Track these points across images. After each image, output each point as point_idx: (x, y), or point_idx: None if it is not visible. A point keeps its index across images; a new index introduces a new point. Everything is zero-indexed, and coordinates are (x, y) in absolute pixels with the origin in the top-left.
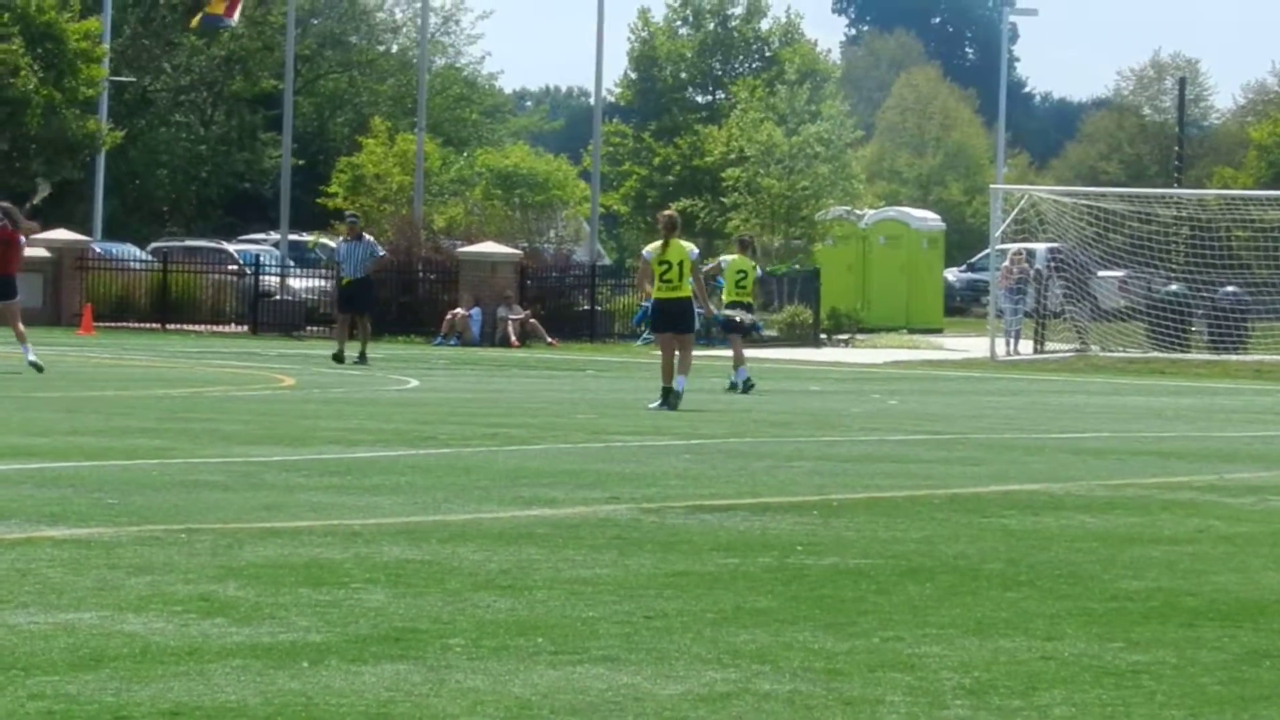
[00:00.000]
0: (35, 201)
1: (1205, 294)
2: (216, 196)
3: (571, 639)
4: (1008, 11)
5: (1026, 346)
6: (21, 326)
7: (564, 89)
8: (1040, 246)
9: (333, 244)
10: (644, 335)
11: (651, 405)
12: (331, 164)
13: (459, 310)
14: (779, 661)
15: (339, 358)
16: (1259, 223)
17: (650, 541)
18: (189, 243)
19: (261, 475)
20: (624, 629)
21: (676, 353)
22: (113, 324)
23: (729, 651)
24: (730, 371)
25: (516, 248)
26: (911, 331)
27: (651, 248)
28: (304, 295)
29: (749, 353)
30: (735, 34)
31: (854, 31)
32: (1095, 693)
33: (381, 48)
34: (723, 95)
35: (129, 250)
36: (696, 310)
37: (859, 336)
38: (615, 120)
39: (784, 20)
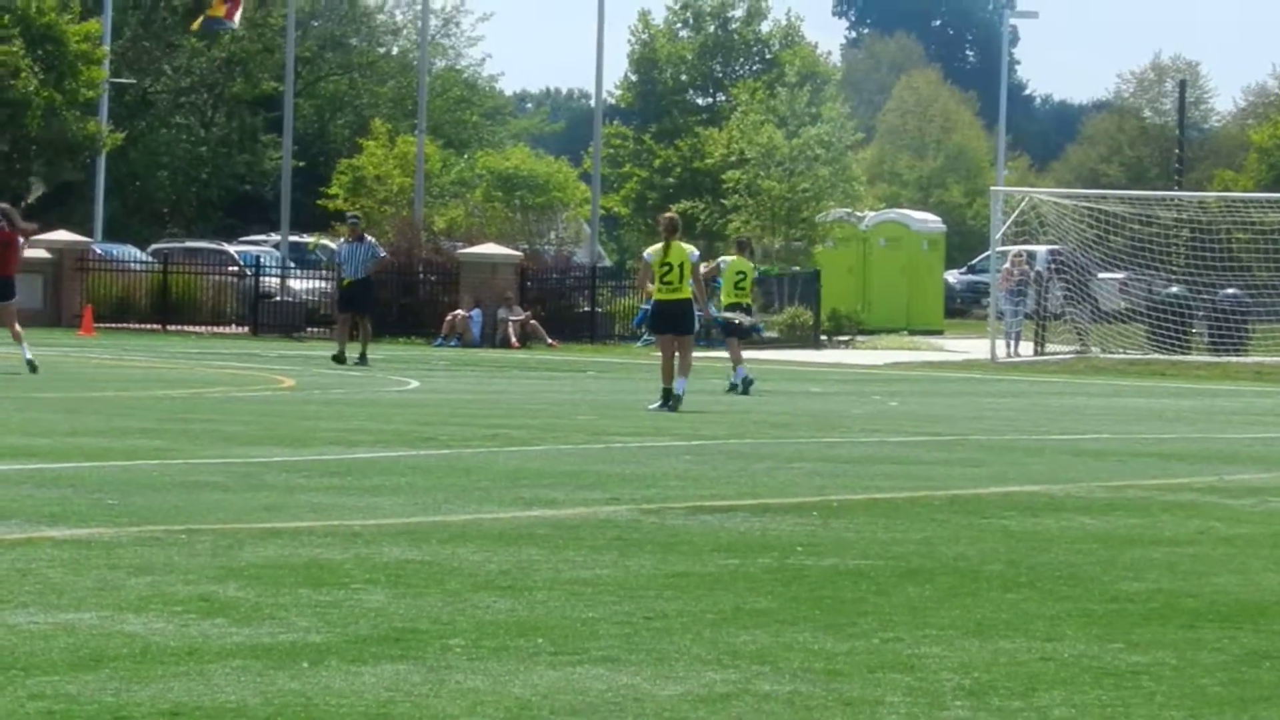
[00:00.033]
0: (30, 200)
1: (1206, 296)
2: (217, 198)
3: (571, 640)
4: (1008, 14)
5: (1027, 348)
6: (18, 327)
7: (564, 91)
8: (1041, 248)
9: (333, 245)
10: (644, 337)
11: (652, 406)
12: (332, 166)
13: (459, 311)
14: (779, 662)
15: (340, 358)
16: (1259, 225)
17: (650, 542)
18: (189, 244)
19: (262, 476)
20: (624, 630)
21: (676, 354)
22: (113, 325)
23: (729, 652)
24: (730, 373)
25: (517, 249)
26: (912, 333)
27: (653, 249)
28: (304, 296)
29: (748, 354)
30: (736, 36)
31: (854, 34)
32: (1095, 694)
33: (382, 50)
34: (723, 97)
35: (129, 251)
36: (696, 312)
37: (859, 338)
38: (616, 122)
39: (784, 23)
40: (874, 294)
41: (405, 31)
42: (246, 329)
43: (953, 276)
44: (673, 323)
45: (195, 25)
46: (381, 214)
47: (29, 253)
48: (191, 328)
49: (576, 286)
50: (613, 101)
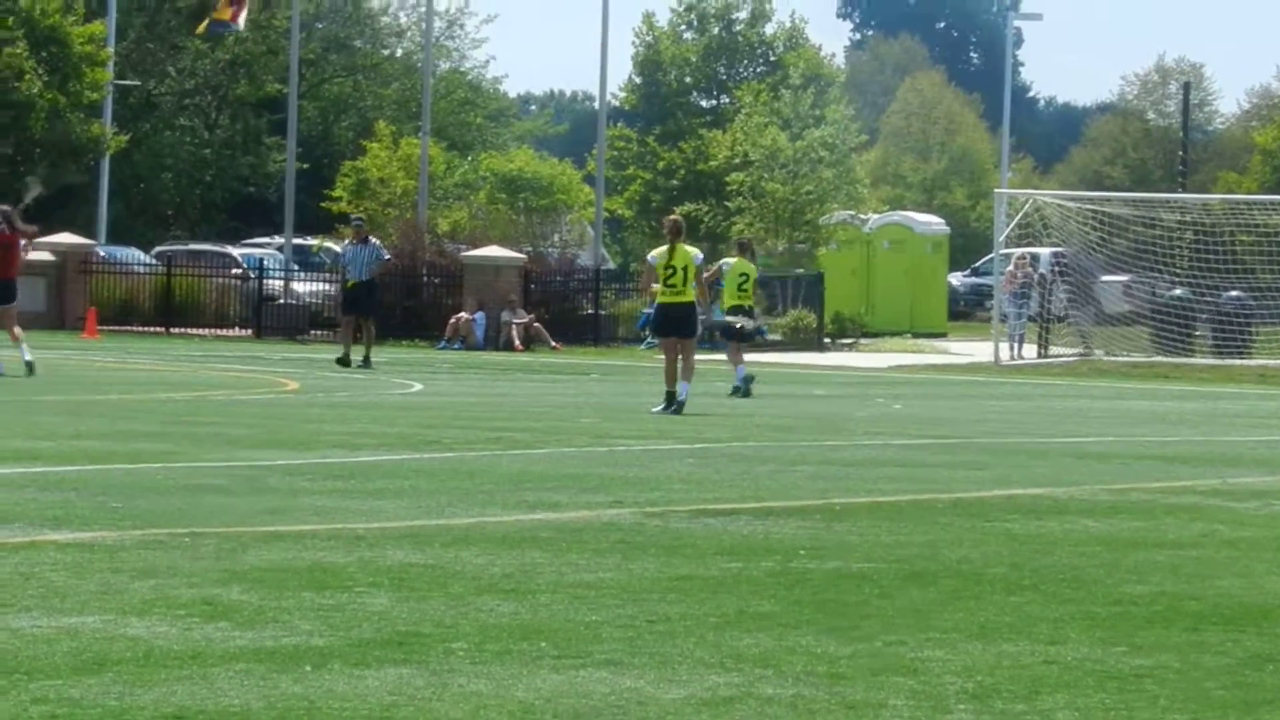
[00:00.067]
0: (27, 201)
1: (1209, 298)
2: (221, 200)
3: (574, 643)
4: (1012, 16)
5: (1030, 351)
6: (18, 330)
7: (568, 93)
8: (1044, 251)
9: (337, 248)
10: (648, 339)
11: (655, 409)
12: (336, 168)
13: (463, 314)
14: (782, 665)
15: (344, 361)
16: (1263, 227)
17: (653, 546)
18: (193, 246)
19: (265, 479)
20: (627, 633)
21: (679, 357)
22: (117, 328)
23: (732, 655)
24: (747, 380)
25: (521, 252)
26: (915, 336)
27: (657, 252)
28: (308, 299)
29: (751, 357)
30: (740, 38)
31: (859, 36)
32: (1098, 697)
33: (386, 52)
34: (727, 100)
35: (133, 254)
36: (699, 315)
37: (863, 341)
38: (620, 124)
39: (788, 25)
40: (877, 296)
41: (409, 33)
42: (250, 332)
43: (956, 279)
44: (676, 325)
45: (201, 29)
46: (385, 216)
47: (32, 255)
48: (195, 330)
49: (580, 289)
50: (617, 104)
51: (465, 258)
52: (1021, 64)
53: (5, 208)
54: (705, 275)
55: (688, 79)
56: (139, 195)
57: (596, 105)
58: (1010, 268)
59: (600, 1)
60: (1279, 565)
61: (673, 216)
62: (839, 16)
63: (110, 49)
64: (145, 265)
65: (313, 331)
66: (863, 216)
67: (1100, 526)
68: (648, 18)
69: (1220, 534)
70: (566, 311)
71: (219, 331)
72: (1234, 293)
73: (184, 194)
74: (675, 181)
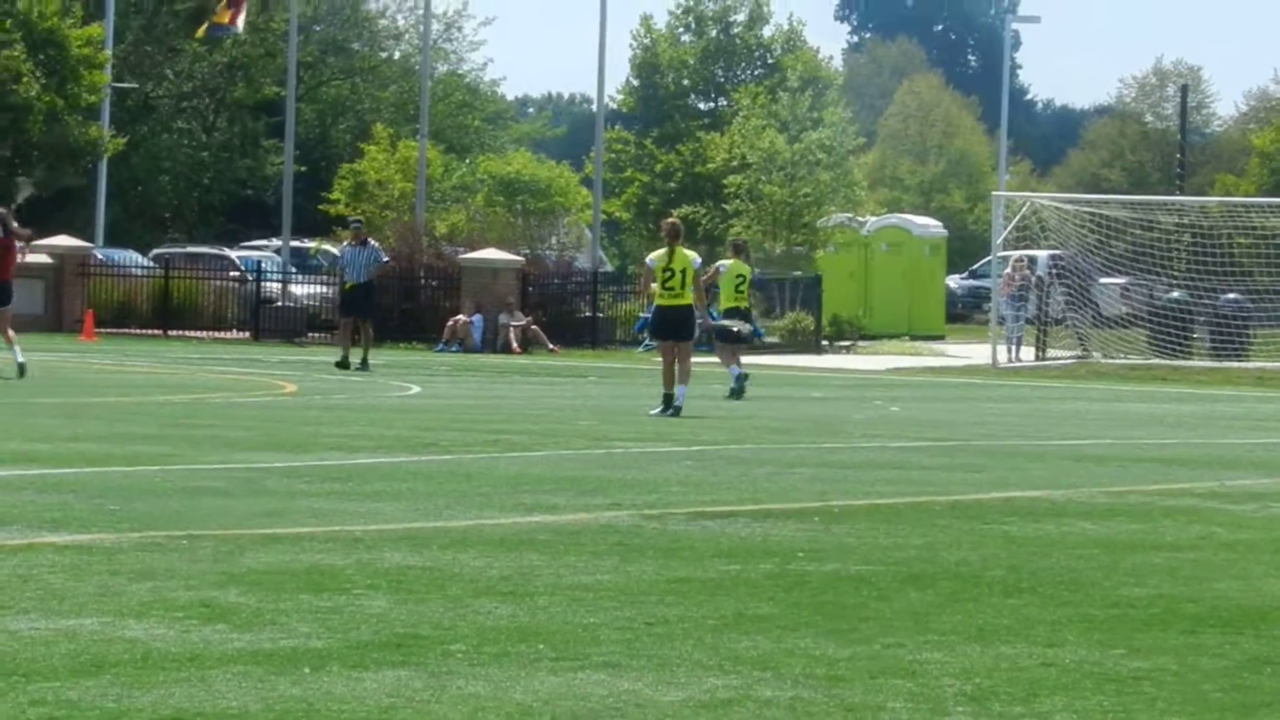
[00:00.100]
0: (19, 201)
1: (1207, 301)
2: (218, 203)
3: (573, 645)
4: (1010, 19)
5: (1028, 353)
6: (11, 332)
7: (566, 95)
8: (1042, 253)
9: (335, 251)
10: (645, 342)
11: (653, 412)
12: (333, 170)
13: (461, 317)
14: (780, 668)
15: (343, 364)
16: (1261, 230)
17: (652, 548)
18: (191, 249)
19: (263, 481)
20: (625, 635)
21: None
22: (114, 330)
23: (730, 658)
24: (740, 379)
25: (518, 254)
26: (913, 338)
27: (656, 255)
28: (306, 301)
29: (749, 360)
30: (737, 41)
31: (856, 39)
32: (1096, 699)
33: (384, 54)
34: (725, 102)
35: (131, 256)
36: (696, 319)
37: (861, 343)
38: (617, 127)
39: (786, 27)
40: (875, 299)
41: (407, 36)
42: (248, 334)
43: (954, 281)
44: (674, 328)
45: (200, 33)
46: (383, 219)
47: (30, 257)
48: (193, 333)
49: (578, 292)
50: (614, 106)
51: (463, 260)
52: (1019, 66)
53: (1, 211)
54: (703, 278)
55: (685, 81)
56: (137, 198)
57: (594, 108)
58: (1008, 270)
59: (598, 4)
60: (1277, 568)
61: (671, 219)
62: (837, 19)
63: (108, 51)
64: (143, 268)
65: (310, 334)
66: (860, 219)
67: (1098, 529)
68: (645, 20)
69: (1218, 536)
70: (564, 314)
71: (217, 334)
72: (1232, 295)
73: (182, 196)
74: (673, 184)
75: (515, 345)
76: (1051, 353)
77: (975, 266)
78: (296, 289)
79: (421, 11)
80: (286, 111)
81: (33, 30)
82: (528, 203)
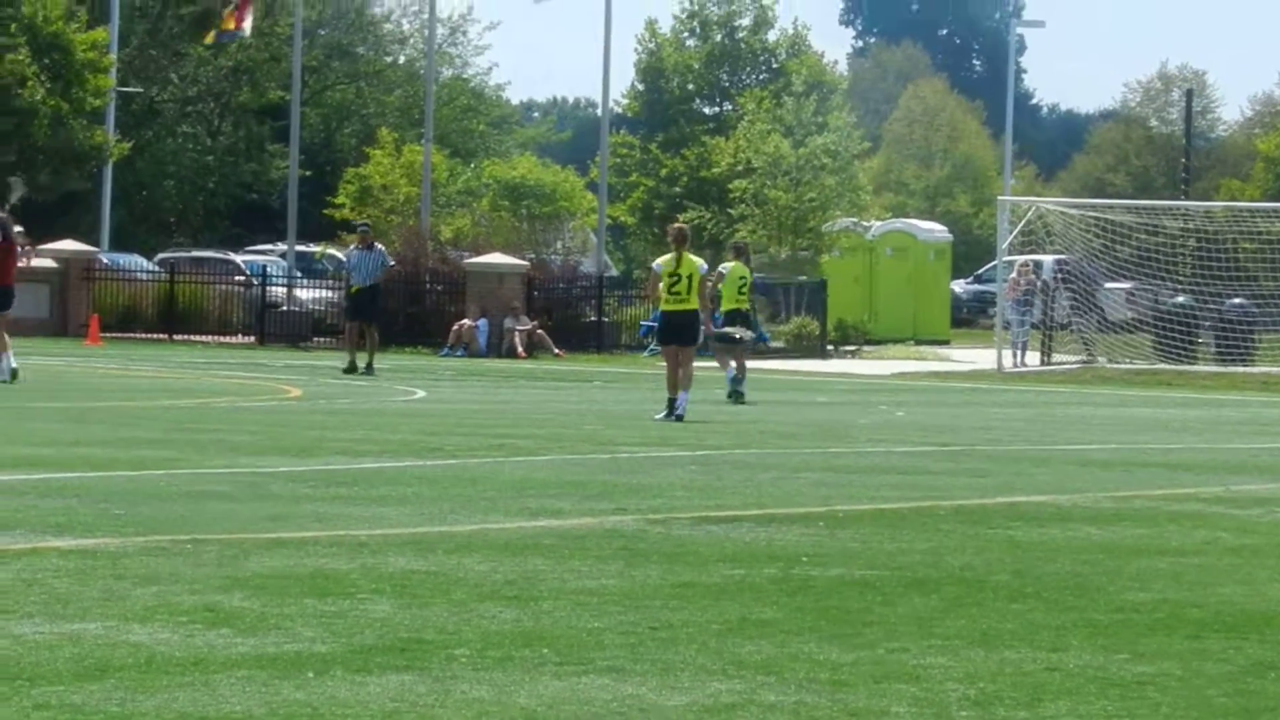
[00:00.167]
0: (13, 202)
1: (1212, 306)
2: (223, 207)
3: (577, 650)
4: (1015, 23)
5: (1033, 358)
6: (6, 337)
7: (571, 100)
8: (1047, 258)
9: (340, 255)
10: (650, 346)
11: (657, 416)
12: (338, 175)
13: (466, 321)
14: (784, 673)
15: (352, 369)
16: (1266, 235)
17: (656, 553)
18: (196, 253)
19: (267, 486)
20: (629, 640)
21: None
22: (119, 334)
23: (734, 662)
24: (735, 382)
25: (523, 259)
26: (918, 343)
27: (663, 260)
28: (311, 306)
29: (754, 364)
30: (742, 45)
31: (861, 43)
32: (1100, 704)
33: (389, 59)
34: (730, 107)
35: (136, 261)
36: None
37: (866, 348)
38: (622, 131)
39: (791, 32)
40: (880, 304)
41: (412, 40)
42: (253, 338)
43: (959, 286)
44: (679, 333)
45: (208, 39)
46: (388, 223)
47: (35, 262)
48: (198, 337)
49: (583, 296)
50: (619, 110)
51: (468, 265)
52: (1024, 71)
53: (2, 215)
54: (709, 285)
55: (690, 86)
56: (142, 202)
57: (599, 112)
58: (1013, 275)
59: (603, 8)
60: None
61: (678, 225)
62: (841, 23)
63: (113, 56)
64: (148, 272)
65: (316, 338)
66: (865, 224)
67: (1103, 534)
68: (650, 25)
69: (1223, 541)
70: (569, 318)
71: (222, 338)
72: (1237, 300)
73: (187, 201)
74: (678, 189)
75: (520, 350)
76: (1057, 357)
77: (980, 271)
78: (301, 293)
79: (426, 16)
80: (291, 116)
81: (38, 34)
82: (533, 207)
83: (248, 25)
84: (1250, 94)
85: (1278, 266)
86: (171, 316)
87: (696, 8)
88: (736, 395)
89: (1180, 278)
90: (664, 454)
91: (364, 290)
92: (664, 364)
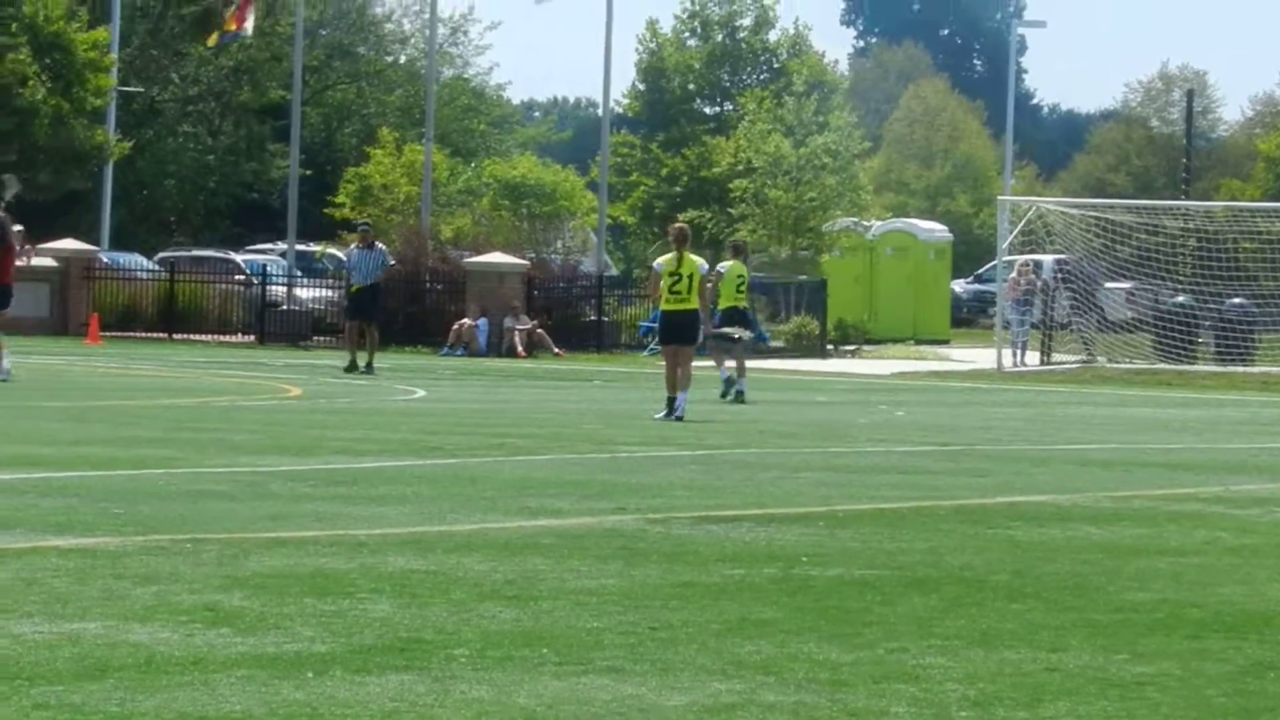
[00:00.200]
0: (6, 199)
1: (1212, 306)
2: (224, 206)
3: (576, 650)
4: (1016, 23)
5: (1033, 358)
6: (1, 336)
7: (572, 100)
8: (1047, 258)
9: (340, 254)
10: (650, 346)
11: (657, 416)
12: (339, 174)
13: (466, 320)
14: (784, 672)
15: (352, 367)
16: (1266, 235)
17: (656, 552)
18: (196, 252)
19: (267, 485)
20: (629, 640)
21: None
22: (119, 334)
23: (734, 662)
24: (738, 383)
25: (524, 258)
26: (918, 343)
27: (664, 259)
28: (311, 305)
29: (753, 364)
30: (743, 45)
31: (862, 43)
32: (1100, 704)
33: (389, 58)
34: (731, 106)
35: (136, 260)
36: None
37: (866, 348)
38: (623, 131)
39: (792, 32)
40: (880, 303)
41: (413, 40)
42: (253, 338)
43: (959, 286)
44: (679, 333)
45: (211, 41)
46: (388, 223)
47: (36, 260)
48: (198, 336)
49: (583, 295)
50: (620, 110)
51: (468, 264)
52: (1025, 71)
53: (0, 215)
54: (709, 286)
55: (691, 86)
56: (142, 201)
57: (600, 112)
58: (1013, 275)
59: (604, 8)
60: None
61: (679, 224)
62: (842, 23)
63: (114, 55)
64: (148, 271)
65: (315, 338)
66: (866, 223)
67: (1103, 534)
68: (651, 24)
69: (1223, 541)
70: (569, 318)
71: (222, 337)
72: (1237, 300)
73: (187, 200)
74: (678, 188)
75: (520, 349)
76: (1057, 357)
77: (980, 271)
78: (302, 293)
79: (427, 16)
80: (292, 115)
81: (39, 34)
82: (533, 207)
83: (249, 25)
84: (1251, 94)
85: (1278, 266)
86: (172, 316)
87: (697, 8)
88: (737, 395)
89: (1180, 278)
90: (664, 453)
91: (364, 289)
92: (663, 363)
